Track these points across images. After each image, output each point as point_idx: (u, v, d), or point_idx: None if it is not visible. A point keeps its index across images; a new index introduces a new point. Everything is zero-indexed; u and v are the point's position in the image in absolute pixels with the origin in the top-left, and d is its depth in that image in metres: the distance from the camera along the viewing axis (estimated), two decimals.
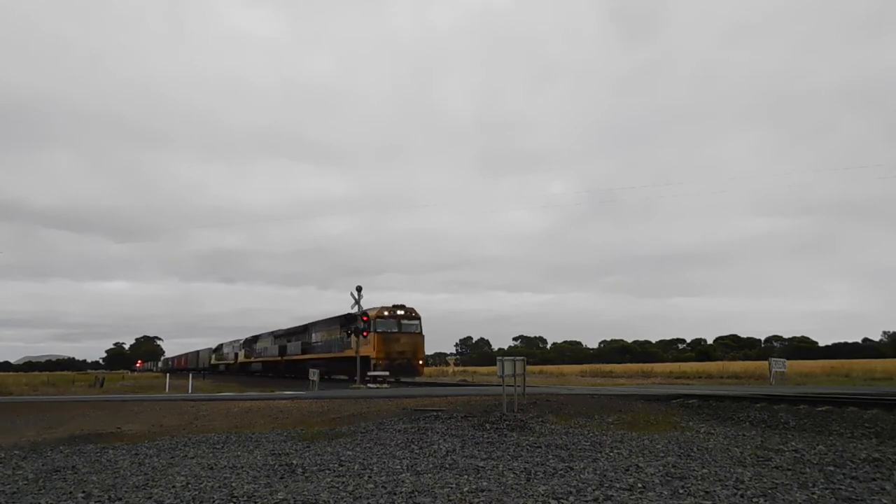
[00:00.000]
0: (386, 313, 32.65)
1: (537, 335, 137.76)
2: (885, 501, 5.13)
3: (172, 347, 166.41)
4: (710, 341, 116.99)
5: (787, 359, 33.12)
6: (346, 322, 34.85)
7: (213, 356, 74.86)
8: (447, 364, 63.22)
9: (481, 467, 6.71)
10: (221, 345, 72.76)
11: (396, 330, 32.48)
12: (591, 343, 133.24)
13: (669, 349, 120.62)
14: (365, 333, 30.33)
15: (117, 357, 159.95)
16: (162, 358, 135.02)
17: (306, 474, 6.51)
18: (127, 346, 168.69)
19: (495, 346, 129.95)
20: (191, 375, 38.65)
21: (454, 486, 5.80)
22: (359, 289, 29.46)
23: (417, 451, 7.87)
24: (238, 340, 64.07)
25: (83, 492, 5.93)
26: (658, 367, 54.78)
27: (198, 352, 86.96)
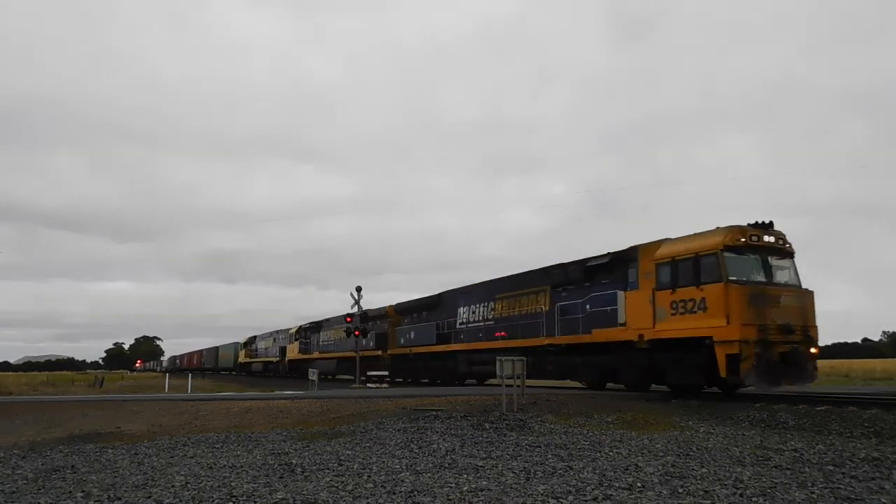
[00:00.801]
0: (742, 240, 14.31)
1: None
2: (884, 501, 5.13)
3: (173, 347, 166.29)
4: None
5: None
6: (579, 275, 18.54)
7: (243, 352, 60.19)
8: None
9: (481, 467, 6.70)
10: (255, 338, 57.78)
11: (765, 279, 14.33)
12: None
13: None
14: (706, 292, 13.80)
15: (117, 357, 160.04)
16: (167, 357, 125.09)
17: (305, 474, 6.51)
18: (126, 346, 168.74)
19: None
20: (190, 375, 38.34)
21: (453, 485, 5.80)
22: (358, 289, 29.39)
23: (417, 451, 7.87)
24: (286, 330, 47.71)
25: (82, 491, 5.92)
26: None
27: (216, 348, 73.31)
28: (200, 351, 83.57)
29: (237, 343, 64.26)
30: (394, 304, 32.34)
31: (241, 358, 60.63)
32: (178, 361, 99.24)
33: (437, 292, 28.21)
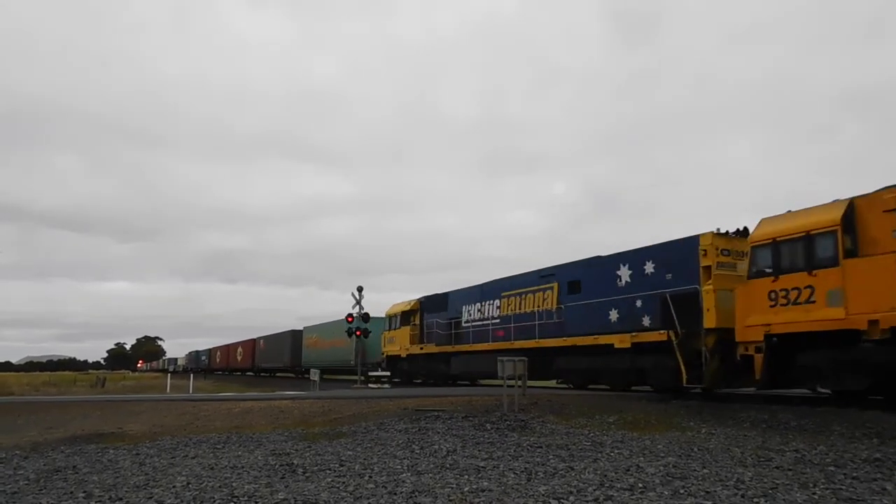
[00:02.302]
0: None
1: None
2: (885, 502, 5.13)
3: (174, 347, 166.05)
4: None
5: None
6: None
7: (399, 333, 26.41)
8: None
9: (482, 467, 6.71)
10: (447, 297, 23.61)
11: None
12: None
13: None
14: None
15: (119, 357, 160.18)
16: (184, 353, 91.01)
17: (307, 474, 6.52)
18: (128, 347, 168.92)
19: None
20: (192, 376, 37.94)
21: (455, 486, 5.80)
22: (360, 289, 29.38)
23: (418, 451, 7.87)
24: (539, 275, 18.48)
25: (84, 492, 5.94)
26: None
27: (294, 333, 40.67)
28: (253, 340, 49.71)
29: (366, 322, 28.10)
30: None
31: (394, 346, 27.08)
32: (203, 358, 69.62)
33: None
